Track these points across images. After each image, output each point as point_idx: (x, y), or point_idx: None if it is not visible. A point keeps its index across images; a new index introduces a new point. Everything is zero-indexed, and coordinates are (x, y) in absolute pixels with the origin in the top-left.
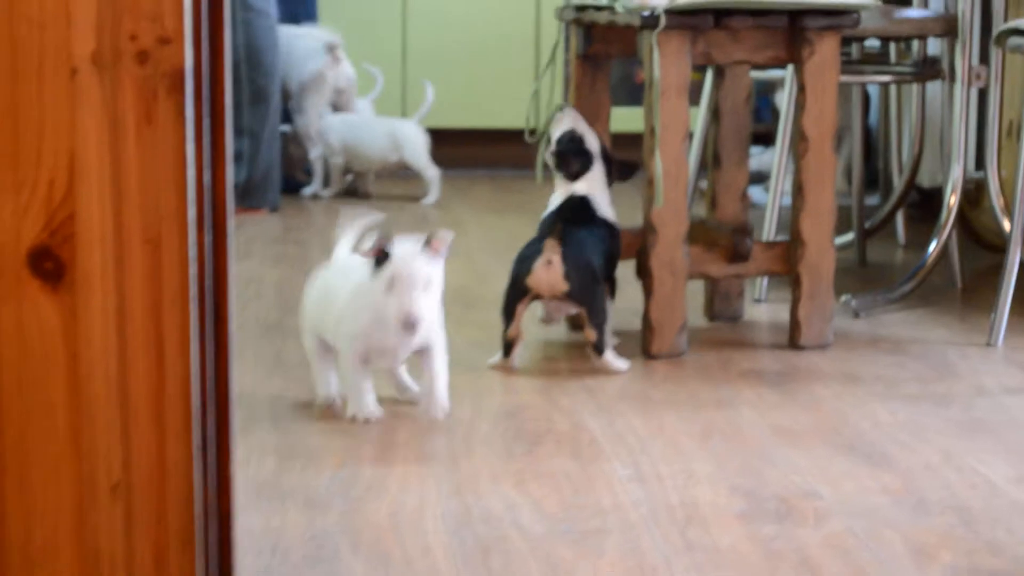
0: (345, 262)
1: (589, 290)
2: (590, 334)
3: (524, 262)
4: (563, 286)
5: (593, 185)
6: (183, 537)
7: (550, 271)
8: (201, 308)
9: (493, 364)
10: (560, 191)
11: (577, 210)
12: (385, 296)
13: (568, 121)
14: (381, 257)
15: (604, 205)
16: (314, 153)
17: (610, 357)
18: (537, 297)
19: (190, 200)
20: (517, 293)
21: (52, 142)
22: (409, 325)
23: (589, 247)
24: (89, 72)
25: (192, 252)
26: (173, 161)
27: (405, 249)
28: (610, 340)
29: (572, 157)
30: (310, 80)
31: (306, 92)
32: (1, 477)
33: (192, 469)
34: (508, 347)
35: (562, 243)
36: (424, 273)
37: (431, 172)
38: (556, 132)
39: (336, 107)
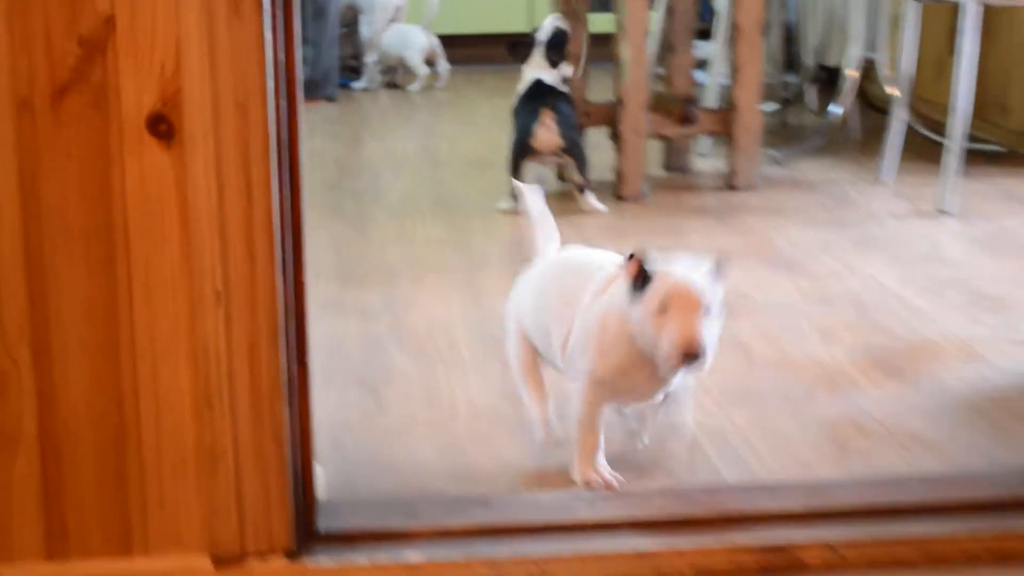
0: (564, 262)
1: (577, 145)
2: (578, 178)
3: (526, 128)
4: (559, 142)
5: (544, 70)
6: (270, 333)
7: (548, 132)
8: (279, 158)
9: (503, 208)
10: (530, 77)
11: (541, 89)
12: (655, 319)
13: (553, 22)
14: (641, 278)
15: (559, 84)
16: (370, 58)
17: (592, 199)
18: (535, 154)
19: (268, 74)
20: (522, 151)
21: (163, 33)
22: (692, 354)
23: (567, 113)
24: None
25: (271, 114)
26: (255, 44)
27: (680, 267)
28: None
29: (553, 50)
30: (382, 2)
31: (377, 11)
32: (131, 292)
33: (275, 281)
34: (515, 195)
35: (553, 111)
36: (707, 297)
37: (421, 70)
38: (544, 30)
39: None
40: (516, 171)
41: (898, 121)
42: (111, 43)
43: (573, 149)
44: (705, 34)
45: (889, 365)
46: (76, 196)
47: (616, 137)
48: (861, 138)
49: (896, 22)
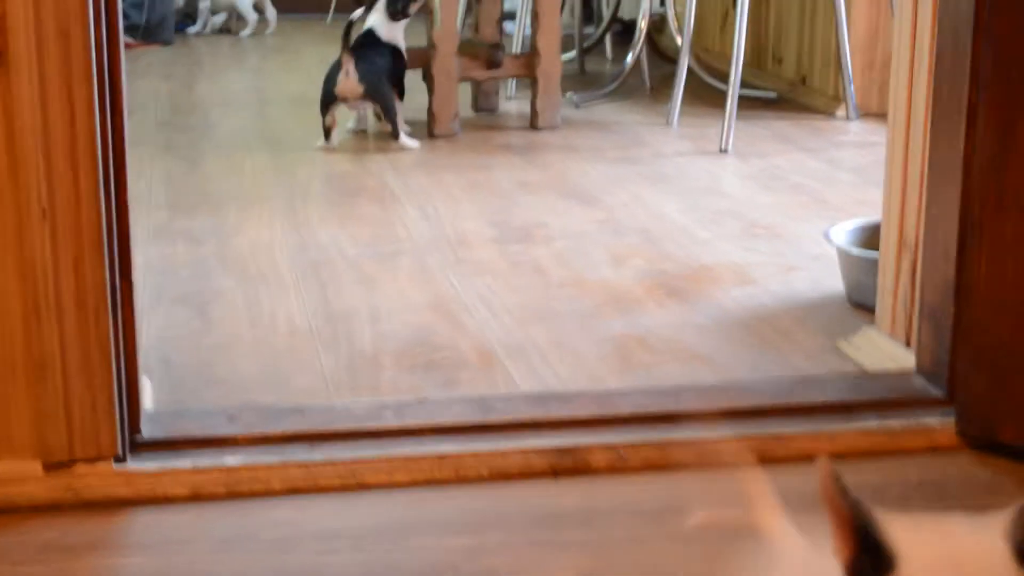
0: None
1: (379, 91)
2: (385, 125)
3: (330, 77)
4: (359, 89)
5: (380, 20)
6: (94, 248)
7: (348, 80)
8: (100, 80)
9: (319, 146)
10: (367, 26)
11: (367, 38)
12: None
13: None
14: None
15: (390, 35)
16: (203, 5)
17: (404, 139)
18: (344, 100)
19: (89, 4)
20: (326, 97)
21: None
22: None
23: (376, 61)
24: None
25: (92, 40)
26: None
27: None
28: (403, 127)
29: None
30: None
31: None
32: None
33: (99, 198)
34: (327, 133)
35: (355, 59)
36: None
37: (251, 16)
38: None
39: None
40: (324, 113)
41: (684, 70)
42: None
43: (376, 96)
44: None
45: (672, 288)
46: None
47: (428, 79)
48: (652, 85)
49: None
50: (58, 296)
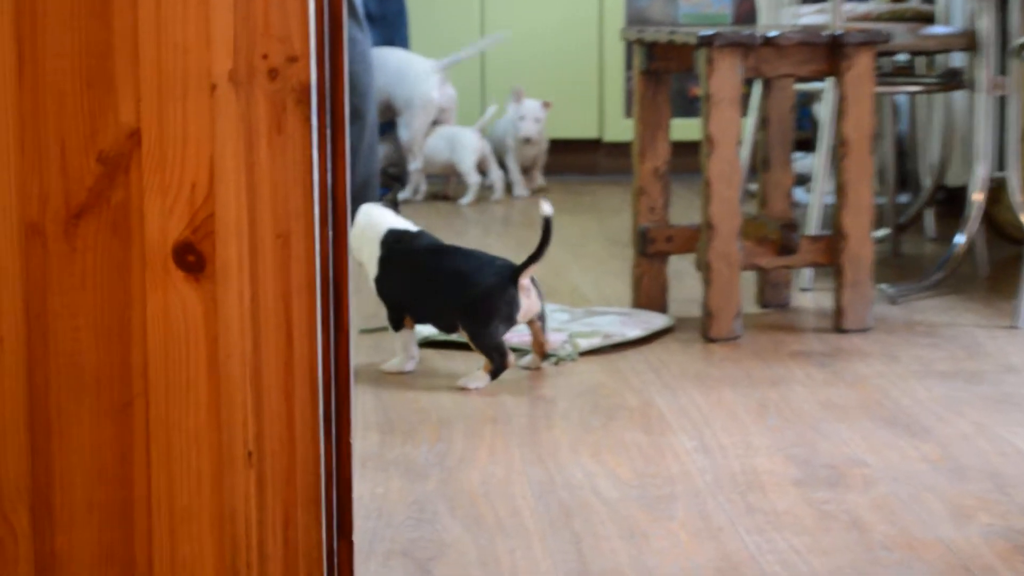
0: None
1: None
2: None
3: (498, 292)
4: (539, 308)
5: None
6: (309, 499)
7: (530, 299)
8: (324, 295)
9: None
10: None
11: None
12: None
13: None
14: None
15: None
16: (413, 166)
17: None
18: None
19: (315, 199)
20: (505, 325)
21: (194, 149)
22: None
23: None
24: (226, 88)
25: (317, 245)
26: (300, 165)
27: None
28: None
29: None
30: (421, 101)
31: (416, 111)
32: (148, 446)
33: (318, 439)
34: (499, 371)
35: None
36: None
37: (472, 178)
38: None
39: (436, 122)
40: (502, 343)
41: None
42: (135, 160)
43: (543, 319)
44: (806, 144)
45: None
46: (89, 335)
47: (704, 267)
48: (990, 273)
49: None
50: (262, 559)
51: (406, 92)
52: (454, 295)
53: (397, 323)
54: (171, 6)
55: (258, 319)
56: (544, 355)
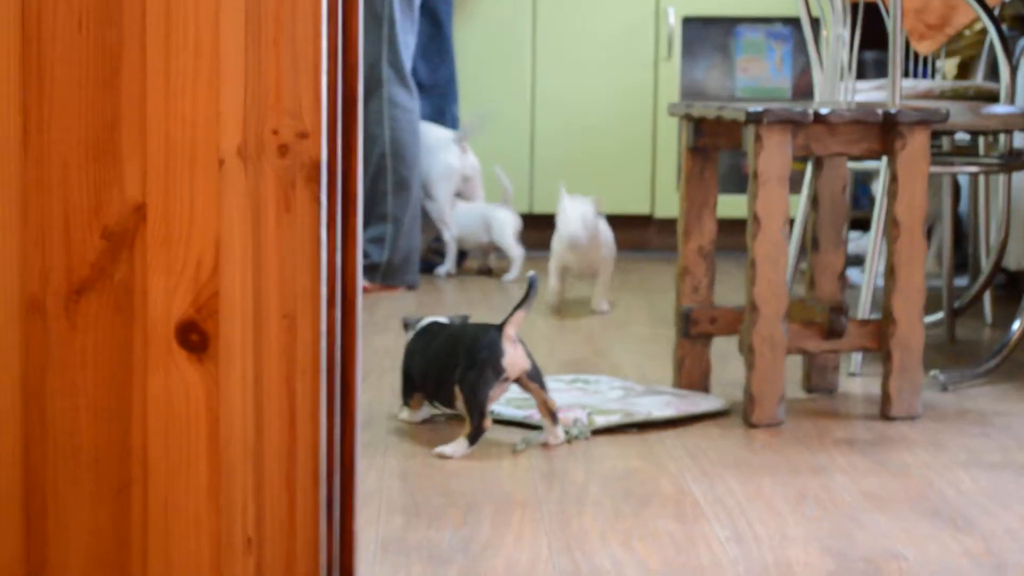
0: None
1: (539, 372)
2: (552, 402)
3: (487, 345)
4: (526, 365)
5: None
6: None
7: (517, 351)
8: (330, 378)
9: (455, 455)
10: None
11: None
12: None
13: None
14: None
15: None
16: (447, 235)
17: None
18: (505, 380)
19: (323, 279)
20: (490, 378)
21: (201, 226)
22: None
23: None
24: (235, 163)
25: (323, 327)
26: (308, 244)
27: None
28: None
29: None
30: (442, 170)
31: (438, 181)
32: (146, 528)
33: (319, 527)
34: (477, 433)
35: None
36: None
37: (515, 251)
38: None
39: (461, 194)
40: (484, 401)
41: None
42: (140, 236)
43: (537, 378)
44: (862, 224)
45: None
46: (89, 414)
47: (747, 350)
48: None
49: None
50: None
51: (426, 163)
52: (450, 357)
53: (406, 398)
54: (180, 77)
55: (261, 401)
56: (554, 417)
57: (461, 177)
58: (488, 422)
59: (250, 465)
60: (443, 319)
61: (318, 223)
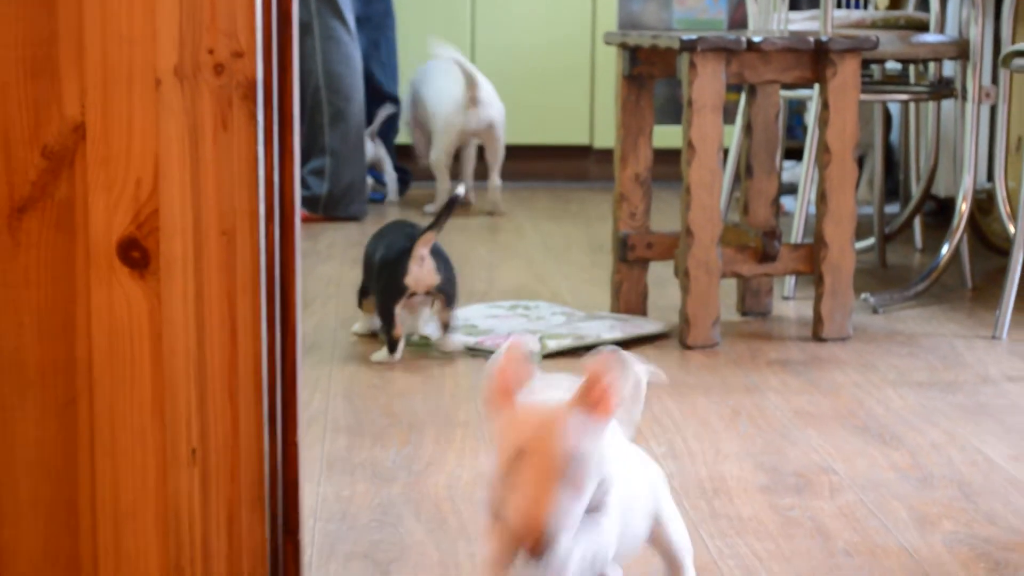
0: None
1: (454, 281)
2: (447, 315)
3: (391, 265)
4: (435, 279)
5: None
6: (253, 497)
7: (423, 268)
8: (270, 293)
9: (378, 360)
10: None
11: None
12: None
13: None
14: None
15: None
16: (440, 188)
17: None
18: (412, 295)
19: (260, 196)
20: (394, 293)
21: (139, 145)
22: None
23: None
24: (172, 83)
25: (262, 243)
26: (246, 162)
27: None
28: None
29: None
30: (443, 124)
31: (440, 133)
32: (92, 443)
33: (262, 438)
34: (393, 344)
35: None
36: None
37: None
38: None
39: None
40: (390, 315)
41: (1020, 265)
42: (79, 155)
43: (451, 288)
44: (796, 154)
45: (998, 561)
46: (33, 331)
47: (683, 274)
48: (975, 284)
49: (1021, 147)
50: (206, 555)
51: (432, 111)
52: (375, 268)
53: (360, 298)
54: None
55: (203, 316)
56: (446, 326)
57: (463, 133)
58: (399, 330)
59: (193, 379)
60: (409, 223)
61: (255, 141)
